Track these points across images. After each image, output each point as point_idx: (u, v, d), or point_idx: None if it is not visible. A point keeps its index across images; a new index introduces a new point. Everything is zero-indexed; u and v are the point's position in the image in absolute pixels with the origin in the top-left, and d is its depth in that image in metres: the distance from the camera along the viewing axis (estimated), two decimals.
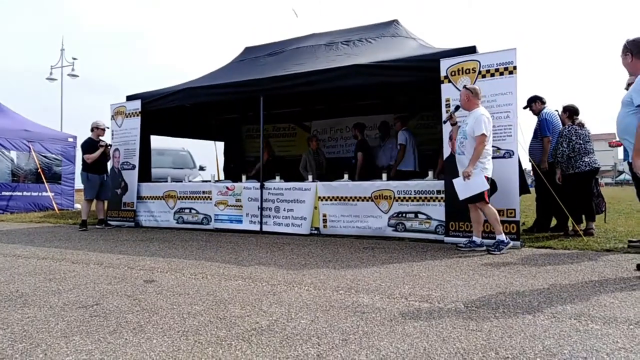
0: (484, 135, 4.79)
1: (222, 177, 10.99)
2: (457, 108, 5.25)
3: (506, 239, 4.94)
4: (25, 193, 11.75)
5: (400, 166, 7.59)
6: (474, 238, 5.12)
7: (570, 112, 6.09)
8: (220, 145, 11.80)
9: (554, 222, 6.60)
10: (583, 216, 6.07)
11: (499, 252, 4.84)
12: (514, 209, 5.28)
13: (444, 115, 5.61)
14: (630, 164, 4.84)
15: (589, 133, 6.01)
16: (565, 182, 6.03)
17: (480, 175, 4.84)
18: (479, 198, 4.90)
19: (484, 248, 5.04)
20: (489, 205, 4.95)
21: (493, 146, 5.35)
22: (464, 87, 5.16)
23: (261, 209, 7.11)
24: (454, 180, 5.11)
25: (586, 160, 5.84)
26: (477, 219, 5.10)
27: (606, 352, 2.12)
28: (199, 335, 2.41)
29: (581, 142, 5.83)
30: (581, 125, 6.03)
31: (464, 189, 4.96)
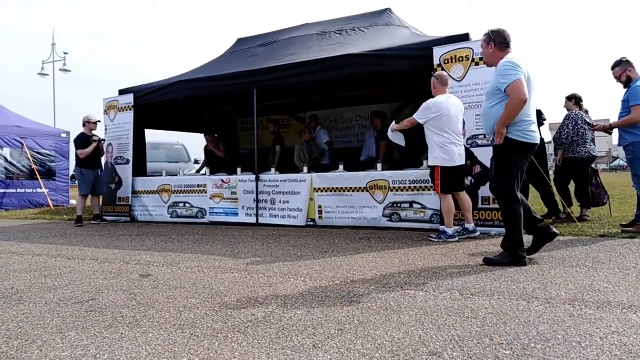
0: (412, 119, 4.98)
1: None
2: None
3: (452, 232, 4.97)
4: (19, 190, 11.69)
5: (324, 160, 8.62)
6: (467, 225, 5.14)
7: (576, 99, 6.33)
8: None
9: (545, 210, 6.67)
10: (577, 203, 6.18)
11: (436, 240, 4.97)
12: None
13: None
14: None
15: (592, 121, 6.19)
16: (563, 164, 6.24)
17: (400, 135, 5.21)
18: (435, 187, 5.05)
19: (478, 233, 5.10)
20: (448, 197, 4.99)
21: (485, 135, 5.33)
22: (432, 74, 5.18)
23: (257, 201, 7.11)
24: (389, 133, 5.31)
25: (586, 147, 6.05)
26: (466, 207, 5.12)
27: (599, 336, 2.14)
28: (195, 329, 2.42)
29: (585, 128, 5.99)
30: (586, 112, 6.31)
31: (393, 137, 5.27)
